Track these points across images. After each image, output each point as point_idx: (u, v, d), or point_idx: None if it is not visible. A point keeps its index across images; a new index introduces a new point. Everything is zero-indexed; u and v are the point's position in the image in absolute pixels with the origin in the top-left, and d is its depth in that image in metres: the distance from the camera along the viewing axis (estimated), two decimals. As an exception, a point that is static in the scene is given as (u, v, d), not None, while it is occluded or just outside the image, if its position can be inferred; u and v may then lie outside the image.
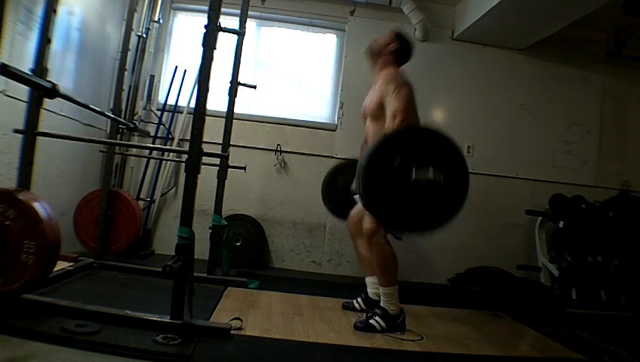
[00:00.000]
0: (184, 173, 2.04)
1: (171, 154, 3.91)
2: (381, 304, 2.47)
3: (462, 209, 2.13)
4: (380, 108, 2.54)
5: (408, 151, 2.04)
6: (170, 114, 4.13)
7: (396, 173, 2.00)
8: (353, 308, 2.80)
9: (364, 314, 2.53)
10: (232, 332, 2.01)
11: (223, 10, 2.11)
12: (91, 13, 3.47)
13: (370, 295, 2.78)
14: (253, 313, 2.46)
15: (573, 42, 4.27)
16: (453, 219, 2.13)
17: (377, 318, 2.42)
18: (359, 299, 2.81)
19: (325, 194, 3.23)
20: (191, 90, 4.10)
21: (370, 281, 2.79)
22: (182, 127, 4.10)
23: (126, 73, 3.22)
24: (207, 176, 2.88)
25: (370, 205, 2.09)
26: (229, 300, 2.66)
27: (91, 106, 2.61)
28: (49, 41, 2.12)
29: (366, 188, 2.04)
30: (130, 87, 3.79)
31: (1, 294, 1.75)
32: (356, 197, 2.70)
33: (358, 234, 2.71)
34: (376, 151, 2.04)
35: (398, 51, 2.74)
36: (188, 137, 2.29)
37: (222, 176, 3.17)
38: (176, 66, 4.13)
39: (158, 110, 4.12)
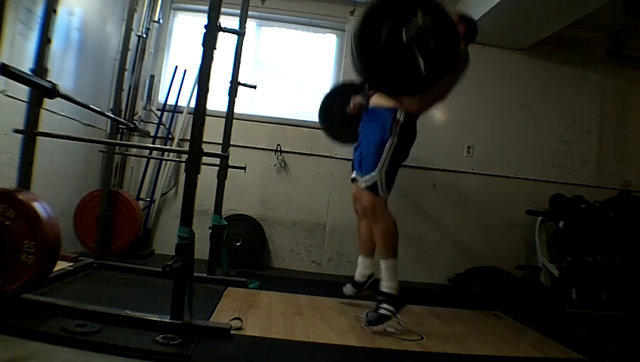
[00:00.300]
0: (184, 173, 2.04)
1: (171, 154, 3.91)
2: (382, 288, 2.46)
3: (457, 55, 2.14)
4: None
5: (395, 16, 2.03)
6: (170, 114, 4.13)
7: (388, 39, 2.01)
8: (347, 295, 2.93)
9: (367, 313, 2.50)
10: (232, 332, 2.01)
11: (223, 10, 2.11)
12: (91, 13, 3.47)
13: (356, 276, 2.92)
14: (253, 313, 2.46)
15: (573, 42, 4.27)
16: (450, 68, 2.16)
17: (384, 305, 2.40)
18: (348, 285, 2.95)
19: (322, 119, 3.31)
20: (191, 90, 4.10)
21: (361, 261, 2.93)
22: (182, 127, 4.10)
23: (126, 73, 3.22)
24: (207, 176, 2.88)
25: (368, 76, 2.12)
26: (229, 300, 2.66)
27: (91, 106, 2.61)
28: (49, 41, 2.12)
29: (362, 60, 2.05)
30: (130, 87, 3.79)
31: (1, 294, 1.75)
32: (354, 175, 2.80)
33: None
34: (365, 22, 2.05)
35: (467, 32, 2.81)
36: (188, 137, 2.29)
37: (222, 176, 3.16)
38: (176, 66, 4.13)
39: (158, 110, 4.13)
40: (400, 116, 2.57)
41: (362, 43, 2.05)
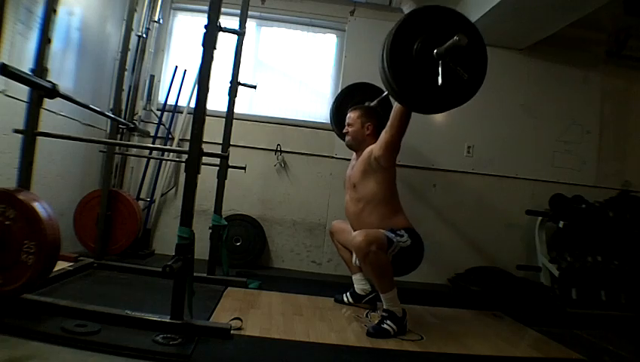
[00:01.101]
0: (184, 173, 2.04)
1: (171, 154, 3.91)
2: (385, 307, 2.43)
3: (484, 77, 2.15)
4: (365, 173, 2.67)
5: (428, 31, 2.07)
6: (170, 114, 4.13)
7: (419, 53, 2.05)
8: (342, 301, 2.95)
9: (375, 320, 2.51)
10: (232, 332, 2.01)
11: (222, 10, 2.12)
12: (91, 13, 3.47)
13: (357, 291, 2.95)
14: (253, 313, 2.46)
15: (573, 42, 4.27)
16: (478, 87, 2.17)
17: (389, 321, 2.38)
18: (348, 294, 2.97)
19: (334, 120, 3.41)
20: (191, 90, 4.10)
21: (356, 278, 2.96)
22: (182, 127, 4.09)
23: (126, 73, 3.22)
24: (207, 176, 2.88)
25: (401, 90, 2.11)
26: (229, 300, 2.66)
27: (91, 106, 2.61)
28: (49, 41, 2.12)
29: (394, 74, 2.07)
30: (130, 87, 3.79)
31: (1, 294, 1.75)
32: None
33: (340, 236, 2.95)
34: (397, 35, 2.10)
35: (376, 126, 2.81)
36: (188, 137, 2.29)
37: (222, 176, 3.17)
38: (176, 66, 4.13)
39: (158, 110, 4.12)
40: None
41: (395, 53, 2.09)
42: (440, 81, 1.98)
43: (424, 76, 2.04)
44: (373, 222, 2.60)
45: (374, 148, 2.63)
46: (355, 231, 2.56)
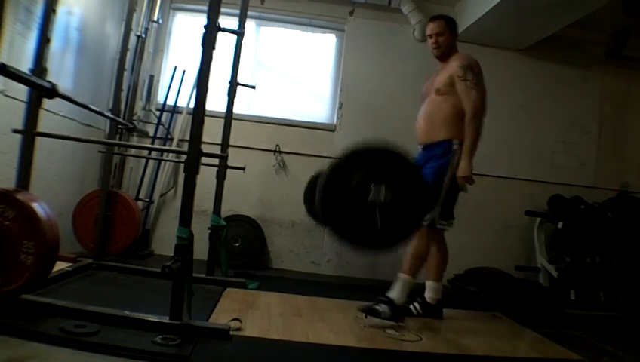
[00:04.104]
0: (183, 174, 2.04)
1: (170, 154, 3.91)
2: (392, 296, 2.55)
3: (413, 233, 2.14)
4: (448, 85, 2.68)
5: (369, 169, 2.04)
6: (170, 114, 4.12)
7: (354, 190, 2.00)
8: (412, 313, 2.76)
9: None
10: (231, 332, 2.01)
11: (222, 10, 2.11)
12: (90, 13, 3.47)
13: (428, 299, 2.81)
14: (252, 314, 2.46)
15: (572, 43, 4.28)
16: (405, 241, 2.17)
17: (383, 306, 2.49)
18: (415, 304, 2.80)
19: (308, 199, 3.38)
20: (190, 90, 4.10)
21: (433, 286, 2.83)
22: (181, 127, 4.09)
23: (125, 73, 3.21)
24: (206, 176, 2.88)
25: (326, 219, 2.09)
26: (228, 301, 2.66)
27: (90, 106, 2.61)
28: (48, 40, 2.12)
29: (324, 203, 2.04)
30: (129, 87, 3.78)
31: (0, 294, 1.75)
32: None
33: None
34: (338, 167, 2.04)
35: (454, 36, 2.85)
36: (187, 137, 2.29)
37: (221, 177, 3.16)
38: (176, 66, 4.13)
39: (157, 110, 4.12)
40: (455, 145, 2.62)
41: (330, 189, 2.05)
42: (379, 225, 1.98)
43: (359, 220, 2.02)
44: (442, 121, 2.68)
45: (455, 72, 2.66)
46: (419, 129, 2.81)
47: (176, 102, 4.11)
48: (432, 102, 2.76)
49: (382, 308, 2.44)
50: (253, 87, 3.35)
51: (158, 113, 4.09)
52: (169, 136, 4.09)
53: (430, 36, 2.81)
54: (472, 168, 2.58)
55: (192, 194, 2.01)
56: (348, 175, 2.02)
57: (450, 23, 2.80)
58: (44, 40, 2.10)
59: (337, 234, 2.05)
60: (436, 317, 2.77)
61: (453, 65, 2.69)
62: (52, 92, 2.05)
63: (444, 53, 2.79)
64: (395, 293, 2.52)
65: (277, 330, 2.24)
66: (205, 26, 2.04)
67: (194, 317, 2.02)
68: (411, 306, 2.76)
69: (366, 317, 2.48)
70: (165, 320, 1.93)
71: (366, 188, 1.99)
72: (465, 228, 4.18)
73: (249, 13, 3.22)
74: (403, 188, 2.02)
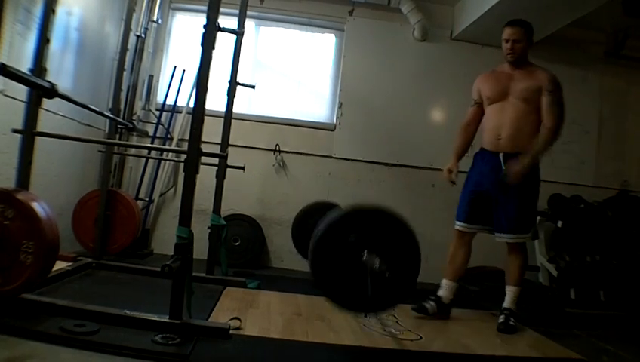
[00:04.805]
0: (183, 173, 2.04)
1: (170, 154, 3.91)
2: (509, 306, 2.77)
3: (404, 298, 2.13)
4: (535, 94, 2.71)
5: (364, 233, 1.99)
6: (169, 114, 4.13)
7: (346, 255, 1.96)
8: (422, 309, 2.78)
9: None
10: (230, 331, 2.01)
11: (221, 10, 2.11)
12: (90, 14, 3.47)
13: (444, 299, 2.85)
14: (252, 313, 2.46)
15: (572, 42, 4.27)
16: (394, 306, 2.17)
17: (512, 319, 2.71)
18: (431, 303, 2.82)
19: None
20: (190, 90, 4.10)
21: (451, 286, 2.90)
22: (180, 127, 4.09)
23: (125, 73, 3.21)
24: (206, 176, 2.87)
25: (317, 279, 2.03)
26: (228, 300, 2.66)
27: (90, 106, 2.61)
28: (48, 41, 2.12)
29: (315, 261, 2.00)
30: (128, 87, 3.79)
31: (-1, 294, 1.75)
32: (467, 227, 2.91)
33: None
34: (334, 225, 2.00)
35: (531, 43, 2.84)
36: (186, 137, 2.29)
37: (220, 176, 3.16)
38: (175, 66, 4.13)
39: (156, 110, 4.12)
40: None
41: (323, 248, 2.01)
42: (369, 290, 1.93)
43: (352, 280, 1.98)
44: (530, 133, 2.71)
45: (545, 86, 2.72)
46: (503, 135, 2.72)
47: (175, 101, 4.11)
48: (517, 111, 2.72)
49: (513, 321, 2.68)
50: (253, 87, 3.35)
51: (157, 113, 4.09)
52: (169, 136, 4.09)
53: (506, 41, 2.76)
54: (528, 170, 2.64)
55: (192, 194, 2.01)
56: (341, 237, 1.99)
57: (529, 31, 2.78)
58: (43, 40, 2.10)
59: (326, 294, 2.02)
60: (444, 317, 2.82)
61: (542, 77, 2.71)
62: (52, 92, 2.05)
63: (518, 60, 2.77)
64: (512, 303, 2.77)
65: (277, 329, 2.24)
66: (205, 26, 2.04)
67: (194, 316, 2.02)
68: (427, 305, 2.79)
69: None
70: (165, 319, 1.93)
71: (359, 253, 1.96)
72: (465, 227, 4.20)
73: (248, 12, 3.23)
74: (397, 257, 1.99)
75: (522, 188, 2.69)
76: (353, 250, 1.96)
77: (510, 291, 2.82)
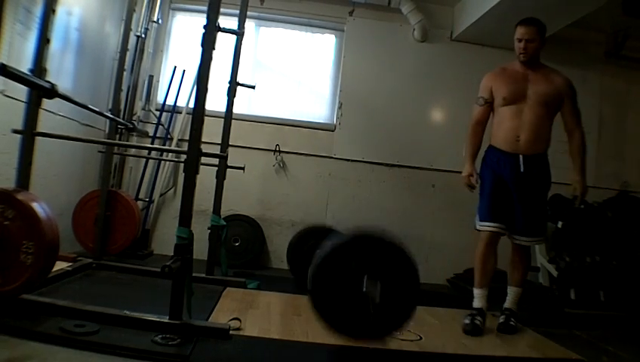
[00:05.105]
0: (183, 174, 2.04)
1: (170, 154, 3.91)
2: (510, 306, 2.78)
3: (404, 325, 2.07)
4: (556, 99, 2.71)
5: (365, 261, 1.96)
6: (169, 114, 4.13)
7: (347, 282, 1.93)
8: (475, 330, 2.57)
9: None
10: (230, 332, 2.01)
11: (221, 10, 2.11)
12: (90, 14, 3.47)
13: (484, 309, 2.73)
14: (252, 313, 2.46)
15: (572, 42, 4.27)
16: (392, 333, 2.12)
17: (512, 319, 2.72)
18: (477, 318, 2.63)
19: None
20: (190, 90, 4.10)
21: (485, 294, 2.79)
22: (180, 127, 4.09)
23: (125, 73, 3.22)
24: (206, 176, 2.87)
25: (315, 305, 1.99)
26: (228, 300, 2.66)
27: (90, 106, 2.61)
28: (48, 41, 2.11)
29: (314, 286, 1.97)
30: (128, 87, 3.79)
31: (-1, 294, 1.75)
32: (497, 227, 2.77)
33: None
34: (332, 254, 1.97)
35: (544, 43, 2.74)
36: (186, 137, 2.29)
37: (221, 177, 3.16)
38: (175, 66, 4.13)
39: (156, 110, 4.13)
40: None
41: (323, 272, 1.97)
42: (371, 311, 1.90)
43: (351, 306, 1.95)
44: (546, 137, 2.78)
45: (566, 92, 2.71)
46: (522, 138, 2.68)
47: (175, 102, 4.11)
48: (536, 115, 2.68)
49: (513, 322, 2.68)
50: (253, 87, 3.35)
51: (157, 113, 4.09)
52: (169, 136, 4.09)
53: (519, 40, 2.68)
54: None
55: (192, 194, 2.01)
56: (342, 264, 1.95)
57: (542, 31, 2.69)
58: (43, 40, 2.10)
59: (324, 321, 1.99)
60: None
61: (561, 83, 2.68)
62: (52, 92, 2.05)
63: (531, 60, 2.68)
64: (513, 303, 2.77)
65: (277, 330, 2.24)
66: (205, 26, 2.04)
67: (194, 316, 2.02)
68: (477, 322, 2.58)
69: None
70: (165, 319, 1.93)
71: (359, 281, 1.92)
72: (465, 227, 4.19)
73: (249, 13, 3.23)
74: (398, 286, 1.96)
75: (541, 191, 2.74)
76: (352, 281, 1.92)
77: (512, 292, 2.80)
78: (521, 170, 2.67)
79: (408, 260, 2.00)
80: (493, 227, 2.73)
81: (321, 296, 1.96)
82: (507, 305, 2.76)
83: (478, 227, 2.82)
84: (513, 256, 2.85)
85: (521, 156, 2.68)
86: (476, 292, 2.76)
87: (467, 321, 2.57)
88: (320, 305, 1.96)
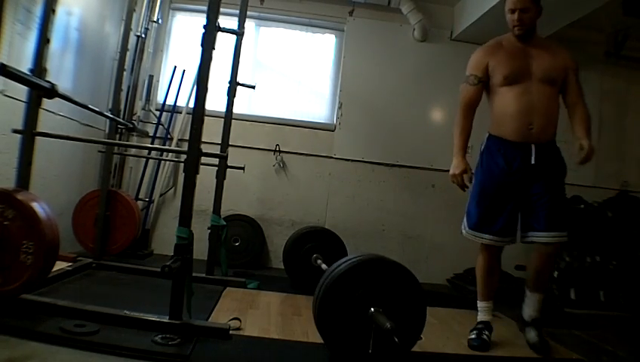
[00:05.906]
0: (183, 173, 2.04)
1: (170, 154, 3.91)
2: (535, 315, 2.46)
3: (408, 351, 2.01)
4: (561, 73, 2.45)
5: (372, 289, 1.91)
6: (169, 114, 4.13)
7: (352, 310, 1.89)
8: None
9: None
10: (230, 332, 2.01)
11: (221, 10, 2.12)
12: (90, 14, 3.47)
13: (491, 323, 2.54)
14: (252, 313, 2.46)
15: (571, 42, 4.23)
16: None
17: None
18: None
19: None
20: (190, 90, 4.10)
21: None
22: (181, 127, 4.09)
23: (125, 73, 3.22)
24: (206, 176, 2.88)
25: (322, 328, 1.96)
26: (228, 300, 2.66)
27: (90, 106, 2.61)
28: (48, 41, 2.12)
29: (320, 312, 1.93)
30: (128, 87, 3.79)
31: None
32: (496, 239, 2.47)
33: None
34: (339, 280, 1.92)
35: (540, 12, 2.43)
36: (186, 137, 2.29)
37: (221, 176, 3.17)
38: (175, 66, 4.13)
39: (156, 110, 4.12)
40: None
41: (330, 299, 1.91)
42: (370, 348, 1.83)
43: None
44: (555, 119, 2.50)
45: (570, 65, 2.47)
46: (536, 124, 2.37)
47: (175, 102, 4.11)
48: (543, 95, 2.39)
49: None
50: (253, 87, 3.36)
51: (157, 113, 4.09)
52: (169, 136, 4.09)
53: (512, 11, 2.36)
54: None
55: (192, 194, 2.02)
56: (349, 291, 1.89)
57: None
58: (43, 40, 2.10)
59: (328, 346, 1.96)
60: None
61: (564, 55, 2.44)
62: (52, 92, 2.05)
63: (527, 33, 2.37)
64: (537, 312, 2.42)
65: (277, 330, 2.24)
66: (205, 26, 2.04)
67: (194, 316, 2.02)
68: (485, 337, 2.40)
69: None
70: (165, 319, 1.93)
71: (365, 309, 1.86)
72: (465, 227, 4.21)
73: (249, 13, 3.23)
74: (403, 314, 1.91)
75: (559, 181, 2.41)
76: (357, 309, 1.87)
77: (537, 299, 2.44)
78: (532, 161, 2.34)
79: (415, 286, 1.98)
80: (492, 240, 2.43)
81: (325, 322, 1.93)
82: (535, 313, 2.42)
83: (466, 234, 2.50)
84: (536, 261, 2.45)
85: (533, 146, 2.35)
86: (481, 305, 2.52)
87: (474, 336, 2.35)
88: (324, 330, 1.94)
